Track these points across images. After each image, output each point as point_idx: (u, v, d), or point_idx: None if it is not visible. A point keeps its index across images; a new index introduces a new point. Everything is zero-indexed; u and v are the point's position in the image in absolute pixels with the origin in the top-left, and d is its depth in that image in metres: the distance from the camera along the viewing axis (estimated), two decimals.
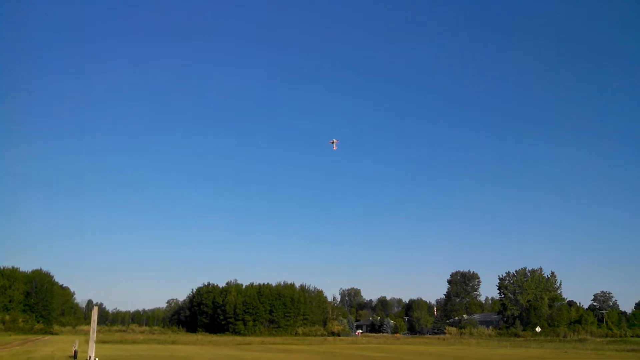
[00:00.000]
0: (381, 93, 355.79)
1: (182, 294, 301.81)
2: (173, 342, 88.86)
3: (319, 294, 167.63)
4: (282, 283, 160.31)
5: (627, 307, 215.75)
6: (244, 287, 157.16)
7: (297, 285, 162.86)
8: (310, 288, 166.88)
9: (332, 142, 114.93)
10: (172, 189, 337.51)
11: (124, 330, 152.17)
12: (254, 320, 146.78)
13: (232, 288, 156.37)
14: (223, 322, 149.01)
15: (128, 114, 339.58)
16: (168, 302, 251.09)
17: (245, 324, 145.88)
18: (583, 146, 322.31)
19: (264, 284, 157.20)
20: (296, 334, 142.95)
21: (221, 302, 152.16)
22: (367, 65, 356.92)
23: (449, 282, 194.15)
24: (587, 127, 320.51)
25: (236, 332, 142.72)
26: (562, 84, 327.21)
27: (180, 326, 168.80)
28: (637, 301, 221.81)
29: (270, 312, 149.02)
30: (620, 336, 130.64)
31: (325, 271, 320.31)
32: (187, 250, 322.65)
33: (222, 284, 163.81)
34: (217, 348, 70.45)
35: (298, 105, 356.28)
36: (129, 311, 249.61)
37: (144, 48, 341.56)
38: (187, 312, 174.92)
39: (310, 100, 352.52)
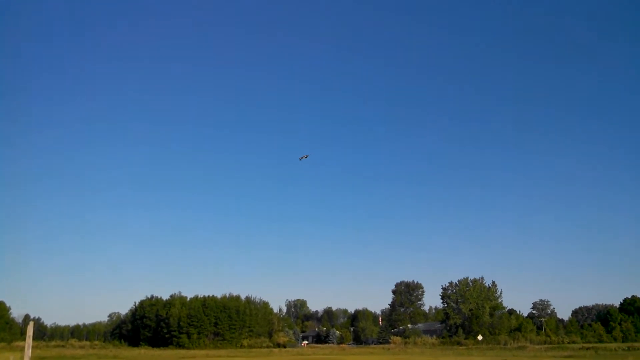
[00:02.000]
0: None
1: (124, 308, 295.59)
2: (114, 357, 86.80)
3: (265, 305, 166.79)
4: (227, 295, 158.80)
5: (564, 314, 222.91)
6: (188, 299, 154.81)
7: (243, 297, 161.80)
8: (256, 300, 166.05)
9: (303, 157, 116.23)
10: (111, 199, 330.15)
11: (62, 346, 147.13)
12: (199, 333, 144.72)
13: (177, 301, 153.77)
14: (167, 336, 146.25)
15: None
16: (110, 315, 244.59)
17: (189, 337, 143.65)
18: (518, 156, 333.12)
19: (209, 296, 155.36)
20: (242, 346, 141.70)
21: (165, 315, 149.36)
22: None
23: (394, 292, 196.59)
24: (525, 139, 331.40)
25: (180, 346, 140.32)
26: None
27: (122, 340, 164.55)
28: (573, 309, 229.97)
29: (215, 324, 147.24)
30: (558, 343, 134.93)
31: (271, 283, 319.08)
32: (129, 263, 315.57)
33: (166, 296, 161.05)
34: None
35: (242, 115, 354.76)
36: (69, 326, 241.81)
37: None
38: (130, 326, 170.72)
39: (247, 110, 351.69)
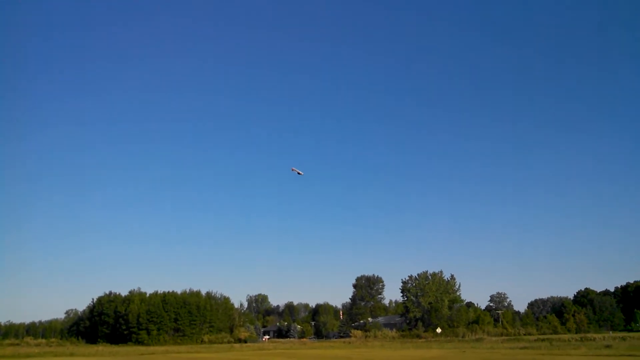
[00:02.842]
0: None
1: (81, 304, 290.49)
2: (71, 354, 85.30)
3: (226, 301, 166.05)
4: (187, 291, 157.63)
5: (520, 307, 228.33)
6: (147, 295, 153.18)
7: (204, 292, 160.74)
8: (217, 295, 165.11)
9: (297, 170, 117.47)
10: (69, 193, 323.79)
11: (17, 344, 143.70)
12: (159, 329, 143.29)
13: (136, 297, 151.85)
14: (126, 332, 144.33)
15: None
16: (67, 312, 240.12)
17: (149, 334, 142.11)
18: (475, 149, 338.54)
19: (169, 292, 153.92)
20: (202, 341, 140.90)
21: (123, 312, 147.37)
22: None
23: (355, 286, 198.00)
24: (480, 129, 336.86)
25: (139, 342, 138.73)
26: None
27: (80, 337, 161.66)
28: (529, 301, 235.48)
29: (176, 320, 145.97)
30: (514, 334, 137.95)
31: (233, 278, 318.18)
32: (87, 258, 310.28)
33: (124, 292, 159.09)
34: (119, 359, 68.40)
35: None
36: (24, 323, 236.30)
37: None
38: (87, 323, 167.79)
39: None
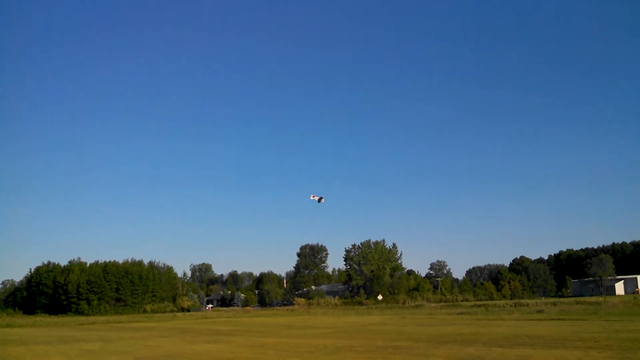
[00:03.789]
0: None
1: (18, 275, 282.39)
2: (8, 326, 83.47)
3: (169, 270, 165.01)
4: (130, 260, 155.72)
5: (459, 274, 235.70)
6: (88, 265, 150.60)
7: (146, 262, 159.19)
8: (160, 264, 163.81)
9: (316, 197, 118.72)
10: (5, 162, 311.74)
11: None
12: (99, 299, 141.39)
13: (75, 267, 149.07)
14: (65, 303, 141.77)
15: None
16: (2, 283, 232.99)
17: (89, 304, 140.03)
18: (413, 120, 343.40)
19: (110, 261, 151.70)
20: (144, 311, 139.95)
21: (63, 282, 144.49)
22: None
23: (299, 255, 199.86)
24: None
25: (80, 312, 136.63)
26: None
27: (17, 308, 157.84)
28: (467, 269, 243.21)
29: (117, 290, 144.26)
30: (452, 301, 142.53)
31: (176, 247, 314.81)
32: (24, 228, 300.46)
33: (64, 262, 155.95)
34: (56, 329, 67.32)
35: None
36: None
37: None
38: (25, 293, 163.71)
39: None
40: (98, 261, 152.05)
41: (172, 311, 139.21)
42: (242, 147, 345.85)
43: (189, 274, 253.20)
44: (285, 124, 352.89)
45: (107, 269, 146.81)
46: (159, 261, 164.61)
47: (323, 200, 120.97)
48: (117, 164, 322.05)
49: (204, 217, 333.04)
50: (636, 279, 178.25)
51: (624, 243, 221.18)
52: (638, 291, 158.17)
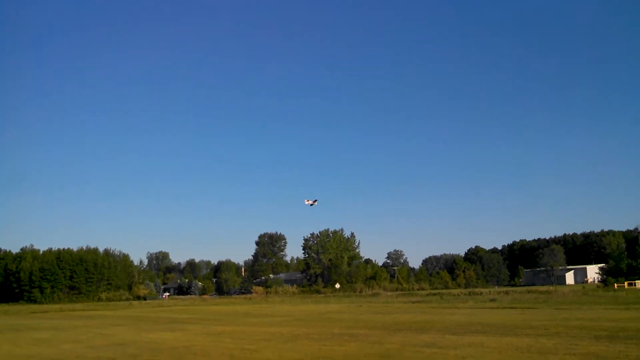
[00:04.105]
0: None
1: None
2: None
3: (125, 258, 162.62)
4: (84, 248, 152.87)
5: (415, 263, 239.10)
6: (41, 252, 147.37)
7: (102, 249, 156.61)
8: (116, 252, 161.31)
9: (310, 201, 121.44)
10: None
11: None
12: (53, 288, 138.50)
13: (28, 254, 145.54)
14: (17, 291, 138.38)
15: None
16: None
17: (42, 292, 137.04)
18: (368, 110, 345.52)
19: (64, 249, 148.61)
20: (99, 299, 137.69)
21: (14, 270, 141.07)
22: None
23: (257, 243, 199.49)
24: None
25: (32, 301, 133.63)
26: None
27: None
28: (424, 258, 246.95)
29: (71, 278, 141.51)
30: (408, 289, 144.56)
31: (133, 235, 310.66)
32: None
33: (16, 250, 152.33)
34: (7, 318, 65.81)
35: None
36: None
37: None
38: None
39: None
40: (51, 248, 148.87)
41: (127, 299, 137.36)
42: (199, 135, 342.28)
43: (145, 262, 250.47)
44: (244, 111, 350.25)
45: (60, 257, 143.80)
46: (115, 249, 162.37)
47: (317, 203, 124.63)
48: (72, 150, 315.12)
49: (161, 205, 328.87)
50: (585, 269, 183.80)
51: (574, 234, 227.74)
52: (587, 281, 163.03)
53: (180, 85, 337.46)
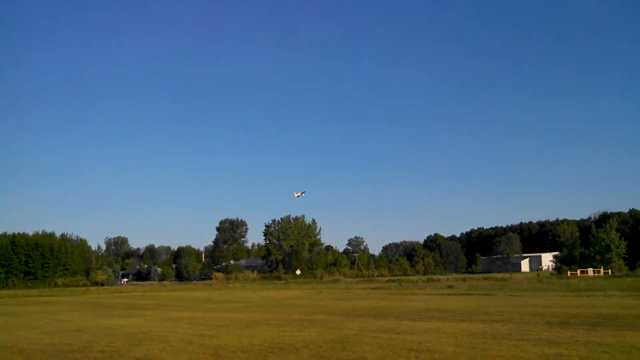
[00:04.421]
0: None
1: None
2: None
3: (82, 243, 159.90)
4: (40, 232, 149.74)
5: (375, 250, 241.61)
6: None
7: (58, 234, 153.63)
8: (73, 237, 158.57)
9: (298, 193, 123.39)
10: None
11: None
12: (7, 273, 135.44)
13: None
14: None
15: None
16: None
17: None
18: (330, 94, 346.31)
19: (19, 233, 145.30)
20: (55, 285, 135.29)
21: None
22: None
23: (218, 229, 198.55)
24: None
25: None
26: None
27: None
28: (384, 245, 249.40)
29: (26, 263, 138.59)
30: (368, 276, 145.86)
31: (90, 220, 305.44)
32: None
33: None
34: None
35: None
36: None
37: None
38: None
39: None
40: (6, 233, 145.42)
41: (85, 285, 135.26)
42: (158, 119, 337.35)
43: (103, 247, 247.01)
44: (203, 96, 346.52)
45: (15, 241, 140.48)
46: (72, 234, 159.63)
47: (304, 194, 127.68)
48: (25, 132, 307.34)
49: (120, 189, 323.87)
50: (540, 257, 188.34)
51: (530, 223, 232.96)
52: (542, 268, 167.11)
53: (139, 62, 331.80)
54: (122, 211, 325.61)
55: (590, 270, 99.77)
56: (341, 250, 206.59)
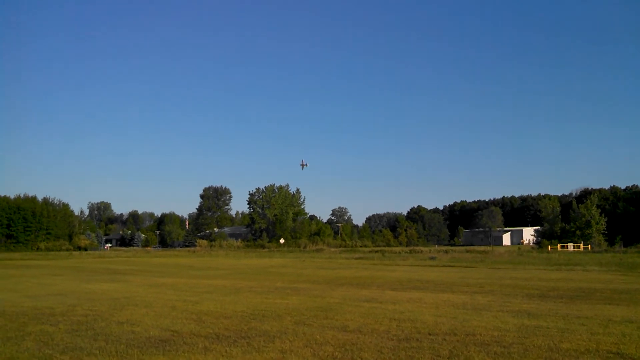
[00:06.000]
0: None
1: None
2: None
3: (65, 207, 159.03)
4: (22, 196, 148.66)
5: (359, 221, 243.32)
6: None
7: (40, 198, 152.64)
8: (55, 201, 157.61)
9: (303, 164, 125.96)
10: None
11: None
12: None
13: None
14: None
15: None
16: None
17: None
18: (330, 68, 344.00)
19: (0, 196, 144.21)
20: (38, 249, 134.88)
21: None
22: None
23: (202, 196, 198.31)
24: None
25: None
26: None
27: None
28: (367, 216, 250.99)
29: (8, 226, 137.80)
30: (351, 246, 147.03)
31: (73, 184, 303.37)
32: None
33: None
34: None
35: None
36: None
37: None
38: None
39: None
40: None
41: (68, 250, 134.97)
42: (144, 86, 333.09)
43: (86, 212, 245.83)
44: (190, 64, 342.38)
45: None
46: (54, 198, 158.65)
47: (307, 164, 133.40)
48: (7, 93, 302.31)
49: (103, 153, 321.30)
50: (522, 230, 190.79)
51: (512, 197, 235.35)
52: (523, 242, 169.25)
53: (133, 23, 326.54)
54: (105, 176, 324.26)
55: (570, 245, 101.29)
56: (325, 220, 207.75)
